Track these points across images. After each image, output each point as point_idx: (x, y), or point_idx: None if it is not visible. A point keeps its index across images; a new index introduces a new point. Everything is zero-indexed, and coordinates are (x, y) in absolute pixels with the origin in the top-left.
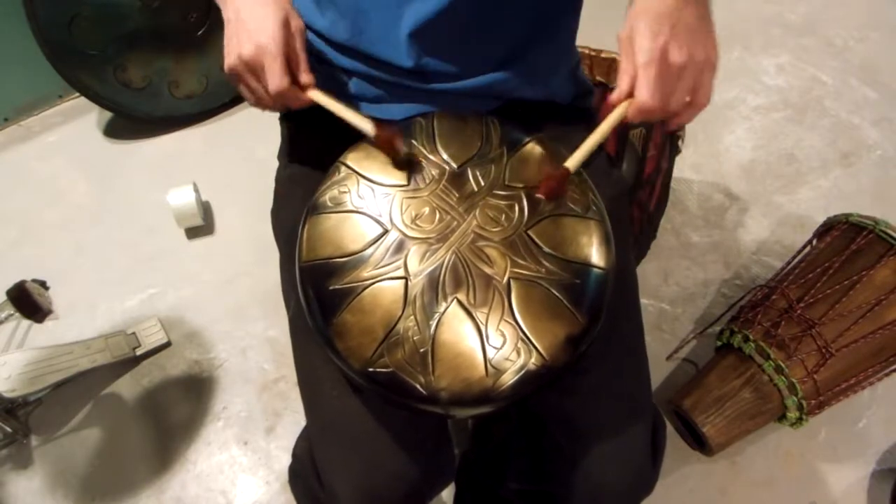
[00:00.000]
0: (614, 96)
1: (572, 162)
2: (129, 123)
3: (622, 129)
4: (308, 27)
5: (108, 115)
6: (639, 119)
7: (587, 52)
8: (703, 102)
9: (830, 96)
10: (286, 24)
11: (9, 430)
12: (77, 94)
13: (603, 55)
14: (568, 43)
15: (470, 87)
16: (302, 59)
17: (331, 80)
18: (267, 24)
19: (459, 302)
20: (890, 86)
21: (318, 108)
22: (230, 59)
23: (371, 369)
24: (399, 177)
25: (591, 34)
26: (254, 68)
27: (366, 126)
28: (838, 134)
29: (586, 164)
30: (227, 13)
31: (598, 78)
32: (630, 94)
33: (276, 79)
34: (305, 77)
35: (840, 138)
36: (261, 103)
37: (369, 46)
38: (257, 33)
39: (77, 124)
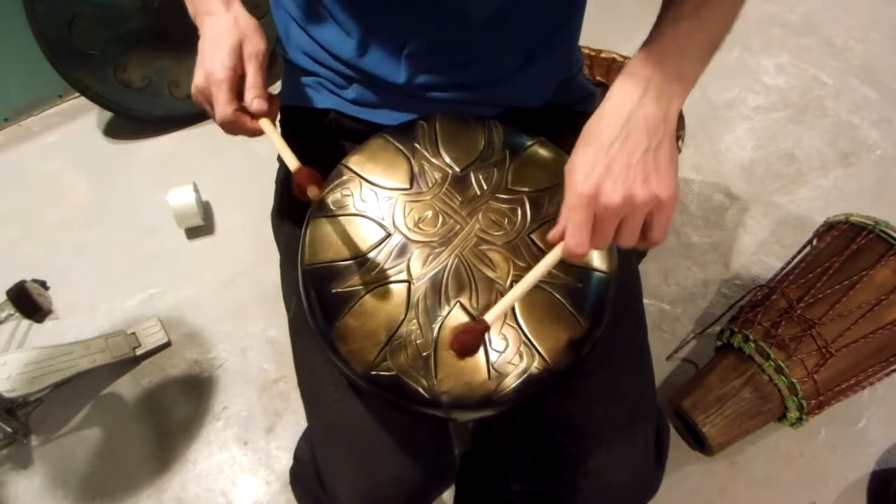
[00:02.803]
0: (552, 234)
1: (491, 315)
2: (129, 123)
3: None
4: (312, 39)
5: (108, 115)
6: (576, 260)
7: (587, 52)
8: (657, 240)
9: (830, 96)
10: (237, 49)
11: (9, 430)
12: (77, 94)
13: (603, 55)
14: (570, 52)
15: (471, 97)
16: (253, 85)
17: (332, 84)
18: (217, 50)
19: (462, 305)
20: (890, 86)
21: (319, 112)
22: (192, 88)
23: (374, 373)
24: (402, 180)
25: (591, 34)
26: (207, 97)
27: (291, 163)
28: (838, 134)
29: None
30: (198, 43)
31: (598, 78)
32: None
33: (220, 107)
34: (255, 104)
35: (840, 138)
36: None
37: (372, 66)
38: (208, 61)
39: (77, 124)
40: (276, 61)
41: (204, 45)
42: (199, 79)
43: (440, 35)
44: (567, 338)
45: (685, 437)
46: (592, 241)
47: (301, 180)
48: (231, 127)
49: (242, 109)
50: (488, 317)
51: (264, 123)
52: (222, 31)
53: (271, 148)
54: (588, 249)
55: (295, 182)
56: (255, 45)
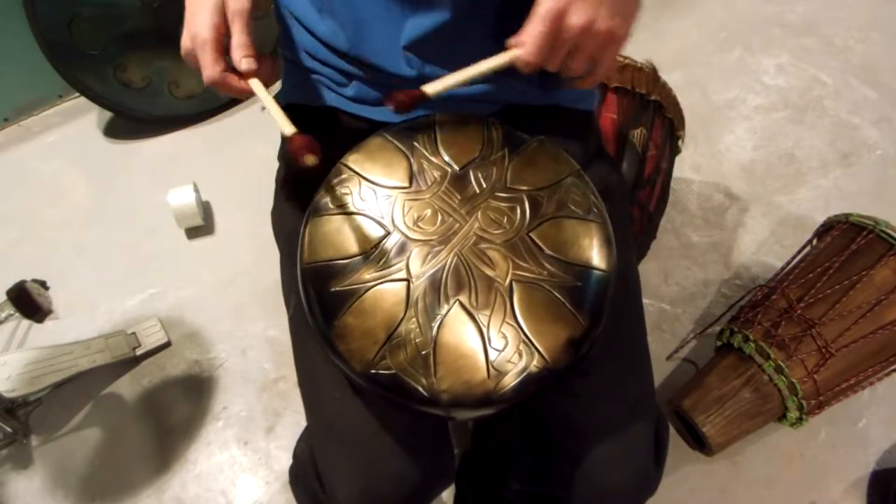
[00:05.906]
0: (512, 39)
1: (432, 88)
2: (129, 123)
3: (621, 129)
4: (310, 32)
5: (108, 115)
6: (523, 69)
7: None
8: (600, 74)
9: (830, 96)
10: (220, 9)
11: (9, 430)
12: (77, 94)
13: None
14: None
15: (471, 92)
16: (239, 45)
17: (332, 82)
18: (201, 11)
19: (461, 304)
20: (890, 86)
21: (319, 110)
22: (181, 50)
23: (373, 371)
24: (401, 178)
25: None
26: (193, 59)
27: (286, 128)
28: (838, 134)
29: (586, 166)
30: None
31: None
32: None
33: (206, 69)
34: (244, 63)
35: (840, 138)
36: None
37: (369, 56)
38: (190, 21)
39: (77, 124)
40: (278, 60)
41: (188, 5)
42: (185, 41)
43: (432, 25)
44: (566, 336)
45: (685, 437)
46: (545, 54)
47: (296, 149)
48: (220, 87)
49: (232, 70)
50: (427, 88)
51: (254, 84)
52: None
53: (271, 147)
54: (538, 62)
55: (290, 150)
56: (239, 3)
